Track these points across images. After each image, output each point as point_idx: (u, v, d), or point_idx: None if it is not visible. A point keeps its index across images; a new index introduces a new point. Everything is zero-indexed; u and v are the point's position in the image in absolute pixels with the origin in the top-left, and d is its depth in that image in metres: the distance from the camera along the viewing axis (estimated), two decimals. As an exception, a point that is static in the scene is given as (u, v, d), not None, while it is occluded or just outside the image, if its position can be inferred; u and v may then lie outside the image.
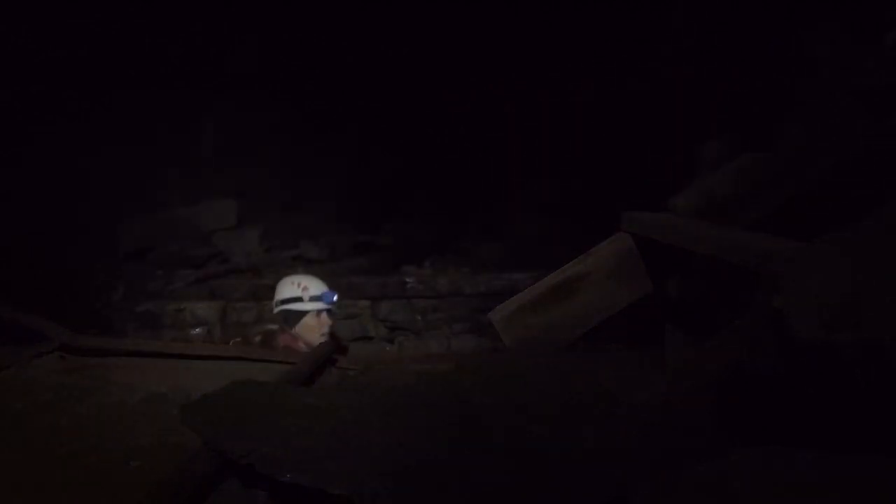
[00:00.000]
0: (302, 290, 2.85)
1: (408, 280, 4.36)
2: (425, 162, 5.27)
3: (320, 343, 2.70)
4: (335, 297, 2.89)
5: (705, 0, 3.93)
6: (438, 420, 1.27)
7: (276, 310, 2.89)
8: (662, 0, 4.23)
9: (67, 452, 1.46)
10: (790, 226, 1.93)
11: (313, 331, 2.82)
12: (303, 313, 2.82)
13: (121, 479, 1.33)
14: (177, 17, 4.63)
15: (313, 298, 2.84)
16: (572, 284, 2.41)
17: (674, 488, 0.95)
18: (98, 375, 1.96)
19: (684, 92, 4.05)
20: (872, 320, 1.04)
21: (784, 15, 3.35)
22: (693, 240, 2.10)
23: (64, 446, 1.48)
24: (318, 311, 2.84)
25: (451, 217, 5.39)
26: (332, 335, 2.99)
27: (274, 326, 3.01)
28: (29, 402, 1.74)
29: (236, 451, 1.14)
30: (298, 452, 1.12)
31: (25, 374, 2.00)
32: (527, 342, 2.29)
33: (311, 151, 5.26)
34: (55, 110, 4.32)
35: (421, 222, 5.35)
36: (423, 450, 1.14)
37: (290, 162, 5.22)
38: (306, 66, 5.01)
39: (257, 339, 3.01)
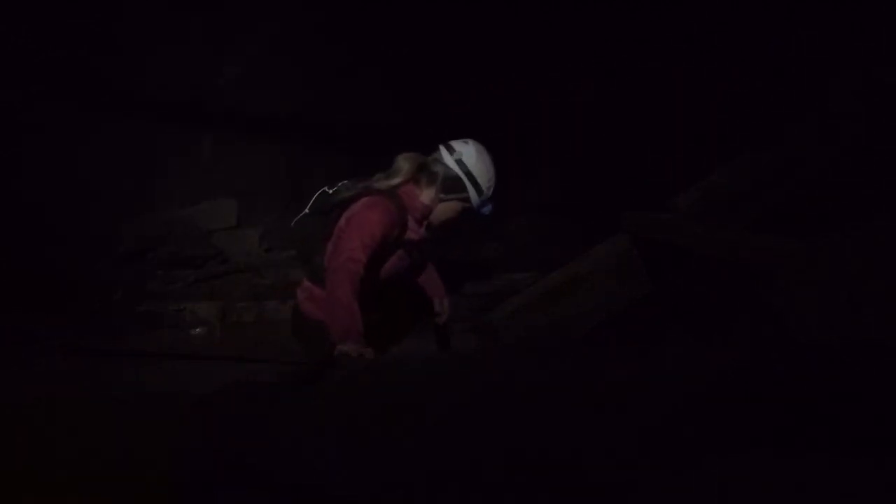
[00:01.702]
0: (488, 187, 2.37)
1: (408, 280, 4.35)
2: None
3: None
4: (489, 213, 2.43)
5: (705, 0, 3.93)
6: (439, 420, 1.27)
7: (450, 165, 2.33)
8: (662, 0, 4.23)
9: (66, 453, 1.46)
10: (790, 225, 1.93)
11: (446, 218, 2.39)
12: (463, 199, 2.35)
13: (121, 481, 1.33)
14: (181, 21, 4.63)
15: (486, 201, 2.39)
16: (573, 284, 2.42)
17: (674, 489, 0.95)
18: (98, 375, 1.96)
19: (684, 92, 4.04)
20: (872, 320, 1.04)
21: (784, 15, 3.35)
22: (693, 239, 2.11)
23: (63, 447, 1.48)
24: (469, 211, 2.39)
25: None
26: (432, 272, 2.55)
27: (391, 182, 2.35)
28: (28, 403, 1.74)
29: (237, 452, 1.14)
30: (300, 453, 1.12)
31: (25, 375, 2.00)
32: (527, 342, 2.29)
33: (311, 151, 5.26)
34: (55, 110, 4.31)
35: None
36: (424, 450, 1.14)
37: (290, 161, 5.22)
38: (305, 66, 5.01)
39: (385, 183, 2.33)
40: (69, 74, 4.30)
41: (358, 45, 4.96)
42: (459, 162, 2.34)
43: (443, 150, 2.38)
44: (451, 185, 2.32)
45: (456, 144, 2.40)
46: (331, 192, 2.34)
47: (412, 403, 1.38)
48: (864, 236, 1.19)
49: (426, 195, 2.34)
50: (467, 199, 2.34)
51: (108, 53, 4.43)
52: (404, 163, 2.35)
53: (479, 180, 2.34)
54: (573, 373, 1.54)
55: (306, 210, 2.37)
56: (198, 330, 4.00)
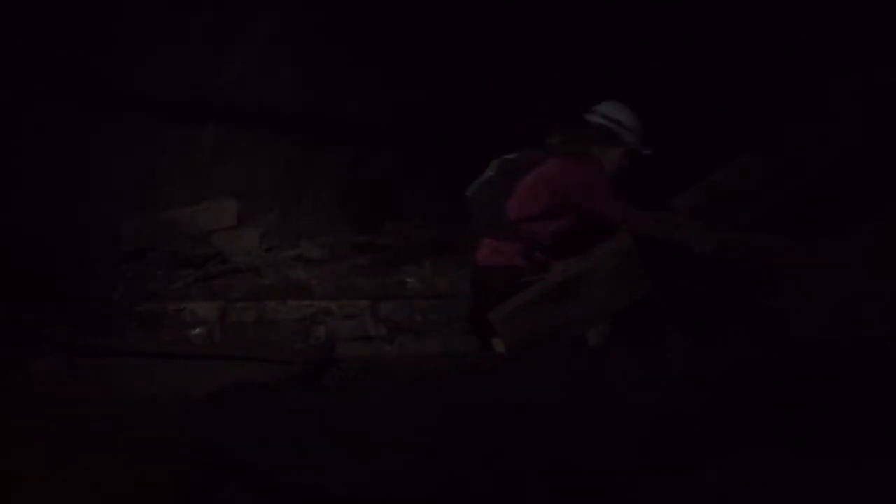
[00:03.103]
0: (636, 126, 2.74)
1: (408, 280, 4.35)
2: (426, 161, 5.27)
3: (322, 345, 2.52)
4: (650, 153, 2.77)
5: (705, 0, 3.93)
6: (438, 420, 1.27)
7: (599, 121, 2.71)
8: (662, 0, 4.23)
9: (66, 454, 1.45)
10: (790, 225, 1.93)
11: (616, 167, 2.71)
12: (619, 143, 2.70)
13: (121, 482, 1.33)
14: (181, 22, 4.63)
15: (640, 140, 2.74)
16: (573, 284, 2.41)
17: (674, 489, 0.95)
18: (98, 376, 1.96)
19: (684, 92, 4.04)
20: (872, 320, 1.04)
21: (784, 15, 3.35)
22: (693, 240, 2.11)
23: (63, 448, 1.48)
24: (629, 152, 2.72)
25: (452, 217, 5.38)
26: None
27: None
28: (28, 403, 1.74)
29: (237, 451, 1.14)
30: (299, 453, 1.12)
31: (25, 375, 1.99)
32: (527, 342, 2.29)
33: (311, 151, 5.26)
34: (55, 110, 4.31)
35: (421, 222, 5.34)
36: (422, 450, 1.14)
37: (291, 161, 5.22)
38: (305, 66, 5.01)
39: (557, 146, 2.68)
40: (69, 74, 4.30)
41: (358, 45, 4.96)
42: (602, 116, 2.71)
43: (586, 117, 2.75)
44: (605, 135, 2.68)
45: (594, 107, 2.77)
46: (510, 158, 2.75)
47: (412, 403, 1.38)
48: (864, 236, 1.19)
49: (593, 152, 2.69)
50: (623, 142, 2.69)
51: (108, 53, 4.43)
52: (555, 136, 2.70)
53: (624, 121, 2.69)
54: (572, 372, 1.54)
55: (491, 173, 2.76)
56: (198, 330, 4.00)
